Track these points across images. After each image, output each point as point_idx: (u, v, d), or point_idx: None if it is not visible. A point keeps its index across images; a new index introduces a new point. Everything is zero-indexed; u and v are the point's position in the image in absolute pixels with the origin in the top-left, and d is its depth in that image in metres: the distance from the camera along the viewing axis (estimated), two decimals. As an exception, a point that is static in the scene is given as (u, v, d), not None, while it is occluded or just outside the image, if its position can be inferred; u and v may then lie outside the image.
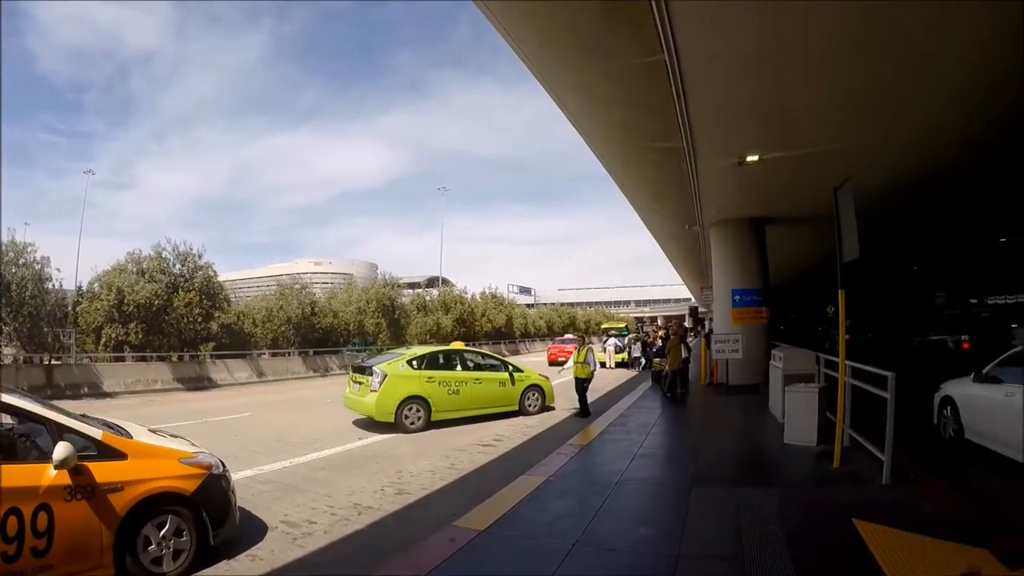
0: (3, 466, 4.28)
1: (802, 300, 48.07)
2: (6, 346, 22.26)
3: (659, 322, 70.83)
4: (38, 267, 21.99)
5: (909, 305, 43.96)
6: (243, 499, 6.53)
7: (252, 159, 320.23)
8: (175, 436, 6.45)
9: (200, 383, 23.95)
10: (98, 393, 20.04)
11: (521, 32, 8.57)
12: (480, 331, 48.57)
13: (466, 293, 53.57)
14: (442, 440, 11.43)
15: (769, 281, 18.94)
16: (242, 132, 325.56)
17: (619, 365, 30.67)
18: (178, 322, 25.16)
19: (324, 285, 65.81)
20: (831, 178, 8.40)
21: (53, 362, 21.66)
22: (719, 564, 5.08)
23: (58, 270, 23.30)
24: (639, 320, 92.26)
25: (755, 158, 12.08)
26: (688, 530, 5.70)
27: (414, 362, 13.24)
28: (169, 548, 5.00)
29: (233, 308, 29.48)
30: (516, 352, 51.96)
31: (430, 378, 13.10)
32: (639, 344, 28.89)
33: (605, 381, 22.45)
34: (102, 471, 4.72)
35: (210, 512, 5.30)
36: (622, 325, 50.83)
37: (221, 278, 29.88)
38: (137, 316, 24.21)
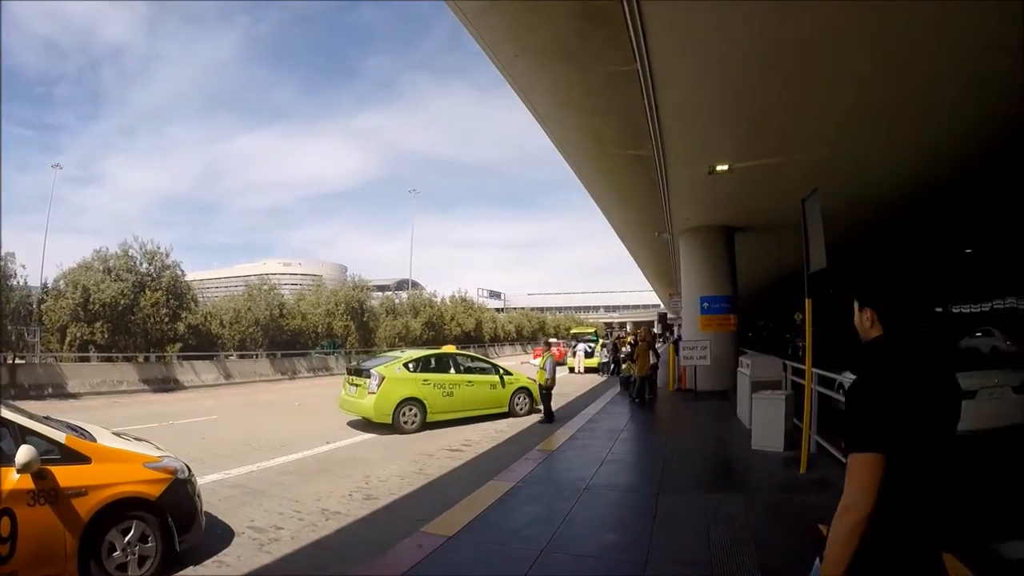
0: (-36, 470, 4.22)
1: (770, 307, 48.55)
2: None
3: (628, 328, 71.08)
4: (2, 263, 21.47)
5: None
6: (209, 504, 6.49)
7: (222, 158, 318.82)
8: (140, 439, 6.35)
9: (166, 385, 23.59)
10: (62, 394, 19.66)
11: (495, 38, 8.58)
12: (449, 335, 48.32)
13: (436, 297, 53.47)
14: (411, 445, 11.42)
15: (737, 288, 19.12)
16: (212, 130, 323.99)
17: (588, 370, 30.80)
18: (144, 322, 24.75)
19: (293, 286, 65.37)
20: (800, 188, 8.53)
21: (17, 361, 21.21)
22: (687, 570, 5.12)
23: (23, 267, 22.75)
24: (608, 326, 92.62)
25: (725, 167, 12.22)
26: (656, 536, 5.75)
27: (410, 365, 13.68)
28: (134, 554, 4.94)
29: (200, 309, 28.98)
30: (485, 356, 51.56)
31: (425, 380, 13.52)
32: (610, 349, 28.95)
33: (575, 386, 22.57)
34: (66, 475, 4.65)
35: (176, 517, 5.24)
36: (591, 331, 50.98)
37: (189, 278, 29.55)
38: (103, 315, 23.77)
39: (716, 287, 18.62)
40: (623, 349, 20.27)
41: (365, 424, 13.16)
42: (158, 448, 6.01)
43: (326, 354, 35.20)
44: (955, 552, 4.95)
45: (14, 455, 4.38)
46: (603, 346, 31.77)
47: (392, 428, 12.64)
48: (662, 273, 34.57)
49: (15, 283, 22.36)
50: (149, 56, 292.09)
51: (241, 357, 29.99)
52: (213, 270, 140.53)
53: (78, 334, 23.58)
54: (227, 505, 7.25)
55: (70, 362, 22.63)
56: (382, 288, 53.66)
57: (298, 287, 57.43)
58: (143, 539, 5.02)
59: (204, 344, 28.04)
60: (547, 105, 10.89)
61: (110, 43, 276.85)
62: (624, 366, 18.63)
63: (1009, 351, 25.61)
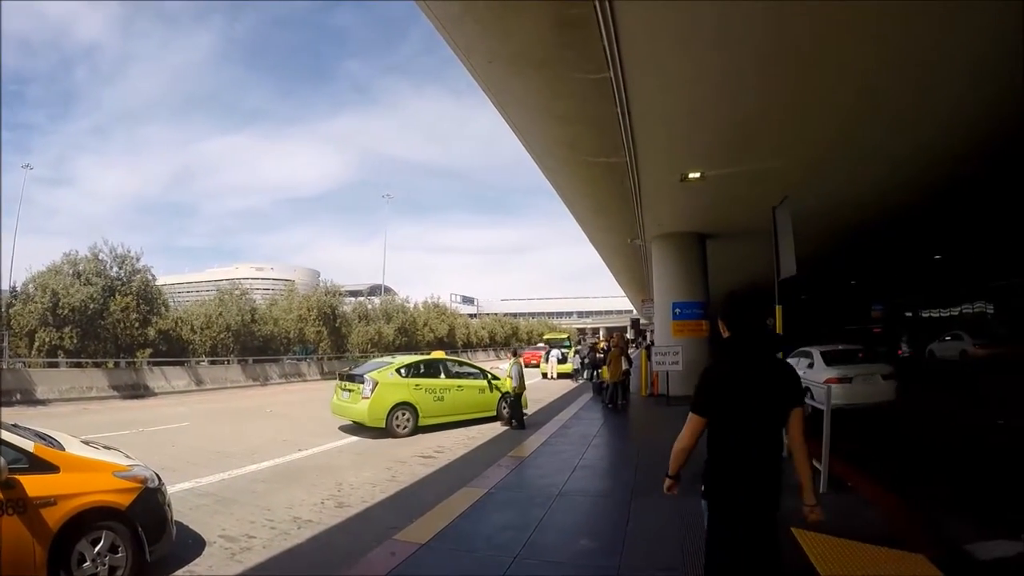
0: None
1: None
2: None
3: (601, 334, 71.24)
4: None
5: (847, 318, 45.28)
6: (180, 513, 6.43)
7: (194, 161, 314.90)
8: (109, 448, 6.29)
9: (137, 391, 23.37)
10: (30, 400, 19.39)
11: (469, 44, 8.59)
12: (422, 341, 48.26)
13: (408, 302, 53.39)
14: (384, 452, 11.40)
15: (709, 294, 19.26)
16: (186, 132, 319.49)
17: (562, 376, 30.90)
18: (114, 327, 24.36)
19: (265, 291, 64.82)
20: (771, 196, 8.66)
21: (-17, 367, 20.82)
22: (660, 575, 5.18)
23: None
24: (581, 331, 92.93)
25: (697, 175, 12.32)
26: (629, 541, 5.80)
27: (402, 370, 14.04)
28: (104, 564, 4.90)
29: (171, 313, 28.56)
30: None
31: (417, 385, 13.90)
32: (583, 355, 28.96)
33: (547, 392, 22.67)
34: (34, 485, 4.59)
35: (146, 527, 5.20)
36: (564, 336, 51.10)
37: (160, 282, 29.13)
38: (72, 320, 23.36)
39: (688, 293, 18.72)
40: (598, 355, 20.39)
41: (338, 431, 13.19)
42: (128, 456, 5.97)
43: (298, 360, 34.98)
44: (925, 552, 5.07)
45: (-19, 465, 4.33)
46: (576, 352, 31.90)
47: (385, 432, 12.89)
48: (635, 279, 34.70)
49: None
50: (123, 56, 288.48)
51: (212, 363, 29.71)
52: (185, 274, 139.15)
53: (47, 339, 23.10)
54: (198, 514, 7.19)
55: (38, 368, 22.26)
56: (355, 293, 53.35)
57: (270, 292, 57.03)
58: (113, 549, 4.98)
59: (175, 350, 27.66)
60: (520, 111, 10.92)
61: (83, 42, 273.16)
62: (601, 370, 18.72)
63: (978, 354, 26.15)
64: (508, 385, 14.66)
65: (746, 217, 15.52)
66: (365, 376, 13.45)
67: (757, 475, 3.34)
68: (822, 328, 37.56)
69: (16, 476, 4.51)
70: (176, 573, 5.48)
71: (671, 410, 15.37)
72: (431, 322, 52.54)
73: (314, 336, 37.19)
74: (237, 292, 33.69)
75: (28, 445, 4.83)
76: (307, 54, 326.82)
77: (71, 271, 24.56)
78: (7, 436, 4.77)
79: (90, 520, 4.88)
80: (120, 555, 5.01)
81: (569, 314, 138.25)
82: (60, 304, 23.20)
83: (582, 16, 7.13)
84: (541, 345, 42.09)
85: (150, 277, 26.88)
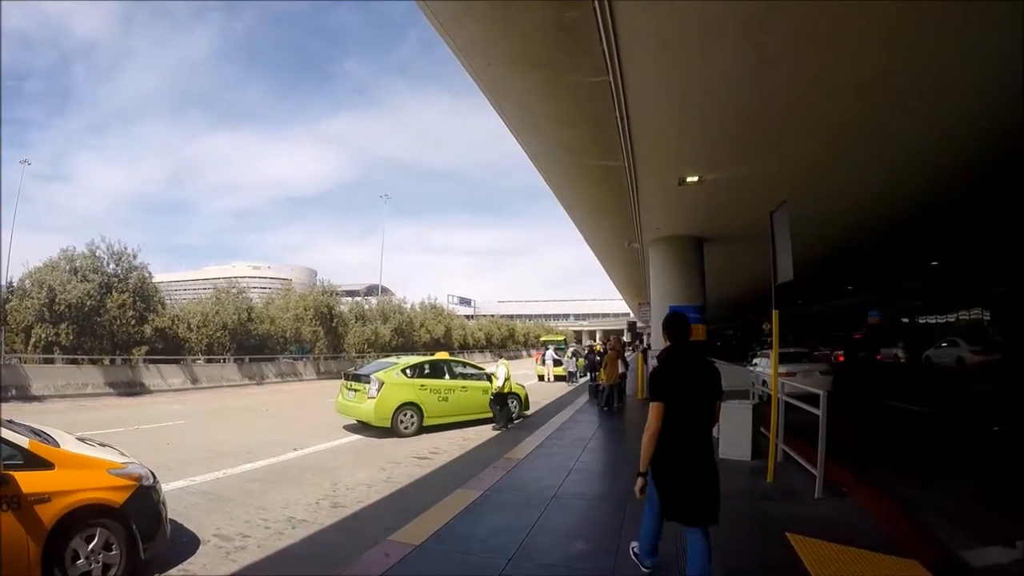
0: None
1: (740, 317, 48.94)
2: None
3: (597, 336, 71.25)
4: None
5: (844, 323, 45.29)
6: (175, 511, 6.44)
7: (192, 159, 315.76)
8: (104, 445, 6.27)
9: (132, 388, 23.40)
10: (26, 396, 19.40)
11: (469, 46, 8.58)
12: (418, 342, 48.25)
13: (405, 303, 53.39)
14: (379, 452, 11.40)
15: (706, 298, 19.24)
16: (184, 130, 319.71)
17: (558, 379, 30.89)
18: (111, 324, 24.37)
19: (262, 290, 64.65)
20: (769, 200, 8.63)
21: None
22: (653, 579, 5.15)
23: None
24: (578, 334, 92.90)
25: (695, 179, 12.29)
26: (624, 544, 5.77)
27: (407, 371, 14.27)
28: (98, 562, 4.88)
29: (168, 311, 28.58)
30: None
31: (422, 386, 14.14)
32: (584, 357, 28.86)
33: (544, 394, 22.67)
34: (28, 481, 4.57)
35: (140, 525, 5.19)
36: (561, 338, 51.07)
37: (157, 280, 29.25)
38: (68, 316, 23.39)
39: (685, 297, 18.66)
40: (596, 358, 20.43)
41: (333, 430, 13.16)
42: (123, 454, 5.96)
43: (294, 359, 34.96)
44: (920, 558, 5.07)
45: (-25, 461, 4.32)
46: (573, 354, 31.85)
47: (383, 432, 13.05)
48: (632, 282, 34.66)
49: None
50: (121, 53, 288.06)
51: (208, 361, 29.71)
52: (182, 272, 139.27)
53: (43, 335, 23.14)
54: (193, 512, 7.18)
55: (34, 364, 22.29)
56: (352, 293, 53.22)
57: (267, 291, 56.75)
58: (107, 547, 4.97)
59: (171, 348, 27.65)
60: (519, 114, 10.90)
61: (82, 38, 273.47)
62: (597, 373, 18.76)
63: (974, 361, 26.24)
64: (511, 386, 14.74)
65: (743, 221, 15.51)
66: (371, 376, 13.56)
67: (696, 445, 4.51)
68: (815, 331, 37.57)
69: (10, 472, 4.49)
70: (170, 571, 5.47)
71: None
72: (428, 323, 52.59)
73: (310, 336, 37.23)
74: (234, 291, 33.73)
75: (23, 441, 4.82)
76: (305, 53, 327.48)
77: (68, 267, 24.53)
78: (2, 432, 4.74)
79: (85, 517, 4.86)
80: (114, 553, 5.00)
81: (566, 316, 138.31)
82: (56, 300, 23.22)
83: (581, 18, 7.12)
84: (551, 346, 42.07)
85: (147, 274, 26.90)
